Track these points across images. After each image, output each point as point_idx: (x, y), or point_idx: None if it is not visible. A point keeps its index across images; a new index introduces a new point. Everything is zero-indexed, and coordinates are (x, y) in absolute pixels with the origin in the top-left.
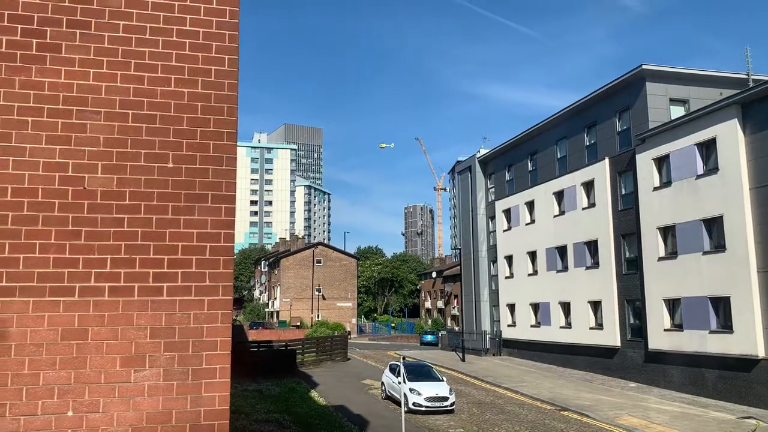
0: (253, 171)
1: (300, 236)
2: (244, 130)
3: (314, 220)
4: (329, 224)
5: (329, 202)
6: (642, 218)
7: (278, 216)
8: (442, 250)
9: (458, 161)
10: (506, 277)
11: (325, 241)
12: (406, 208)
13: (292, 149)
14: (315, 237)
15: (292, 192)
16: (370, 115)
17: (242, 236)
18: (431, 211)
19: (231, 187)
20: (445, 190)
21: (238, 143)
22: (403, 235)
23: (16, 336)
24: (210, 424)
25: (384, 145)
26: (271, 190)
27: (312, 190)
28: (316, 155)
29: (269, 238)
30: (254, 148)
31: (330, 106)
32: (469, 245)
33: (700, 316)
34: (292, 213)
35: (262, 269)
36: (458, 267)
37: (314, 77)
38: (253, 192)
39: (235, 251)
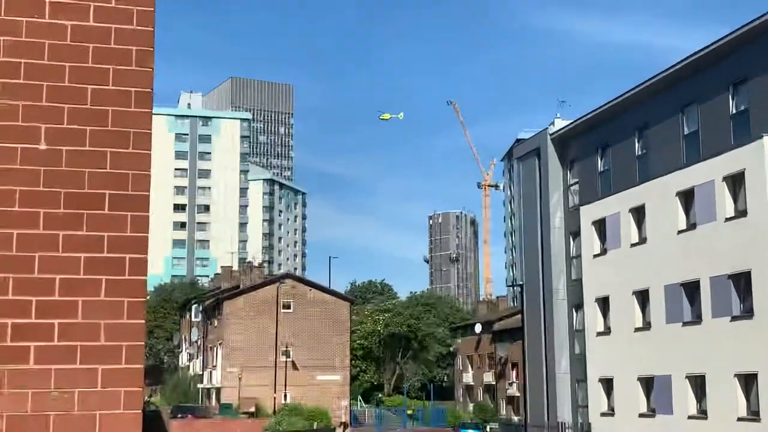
0: (179, 156)
1: (256, 263)
2: (164, 89)
3: (279, 237)
4: (304, 244)
5: (304, 206)
6: None
7: (220, 230)
8: (490, 288)
9: (518, 141)
10: (599, 334)
11: (298, 272)
12: (431, 219)
13: (243, 120)
14: (281, 265)
15: (243, 190)
16: (372, 70)
17: (159, 264)
18: (473, 222)
19: (143, 183)
20: (496, 187)
21: (155, 109)
22: (427, 262)
23: None
24: None
25: (387, 116)
26: (209, 188)
27: (276, 188)
28: (283, 131)
29: (205, 267)
30: (180, 117)
31: (309, 54)
32: (536, 279)
33: None
34: (243, 225)
35: (193, 318)
36: (519, 316)
37: (281, 6)
38: (179, 191)
39: (149, 289)
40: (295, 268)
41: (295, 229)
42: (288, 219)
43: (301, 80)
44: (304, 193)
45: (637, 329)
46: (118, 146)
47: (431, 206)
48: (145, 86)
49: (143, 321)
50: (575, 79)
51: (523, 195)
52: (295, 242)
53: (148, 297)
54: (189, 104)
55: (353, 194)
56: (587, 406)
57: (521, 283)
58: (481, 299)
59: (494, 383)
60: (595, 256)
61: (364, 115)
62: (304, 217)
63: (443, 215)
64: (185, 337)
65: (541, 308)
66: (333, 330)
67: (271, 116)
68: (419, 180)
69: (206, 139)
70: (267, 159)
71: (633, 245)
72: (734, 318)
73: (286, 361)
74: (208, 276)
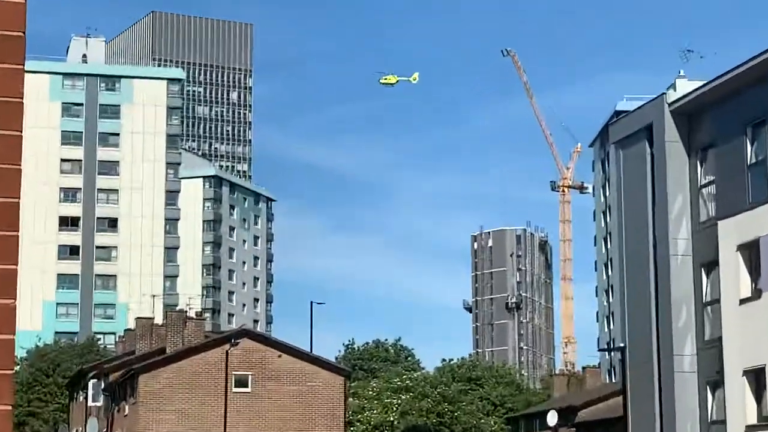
0: (68, 139)
1: (192, 313)
2: (46, 31)
3: (230, 270)
4: (269, 281)
5: (269, 221)
6: None
7: (134, 259)
8: (573, 353)
9: (616, 115)
10: (752, 429)
11: (260, 327)
12: (476, 240)
13: (172, 80)
14: (232, 315)
15: (172, 194)
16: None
17: (36, 314)
18: (545, 245)
19: (8, 184)
20: (581, 189)
21: (30, 64)
22: (470, 310)
23: None
24: None
25: (393, 79)
26: (116, 191)
27: (225, 191)
28: (236, 98)
29: (109, 320)
30: (71, 76)
31: None
32: (646, 340)
33: None
34: (172, 251)
35: (91, 402)
36: (618, 399)
37: None
38: (68, 196)
39: (19, 353)
40: (256, 321)
41: (255, 258)
42: (244, 241)
43: (265, 17)
44: (269, 199)
45: None
46: None
47: (476, 219)
48: (11, 26)
49: (9, 407)
50: (707, 17)
51: (624, 202)
52: (255, 278)
53: (17, 368)
54: (84, 56)
55: (350, 200)
56: None
57: (622, 345)
58: (556, 371)
59: None
60: (744, 301)
61: (368, 73)
62: (269, 239)
63: (495, 235)
64: None
65: (655, 387)
66: (317, 420)
67: (217, 74)
68: (456, 178)
69: (113, 111)
70: (210, 144)
71: None
72: None
73: None
74: (114, 333)
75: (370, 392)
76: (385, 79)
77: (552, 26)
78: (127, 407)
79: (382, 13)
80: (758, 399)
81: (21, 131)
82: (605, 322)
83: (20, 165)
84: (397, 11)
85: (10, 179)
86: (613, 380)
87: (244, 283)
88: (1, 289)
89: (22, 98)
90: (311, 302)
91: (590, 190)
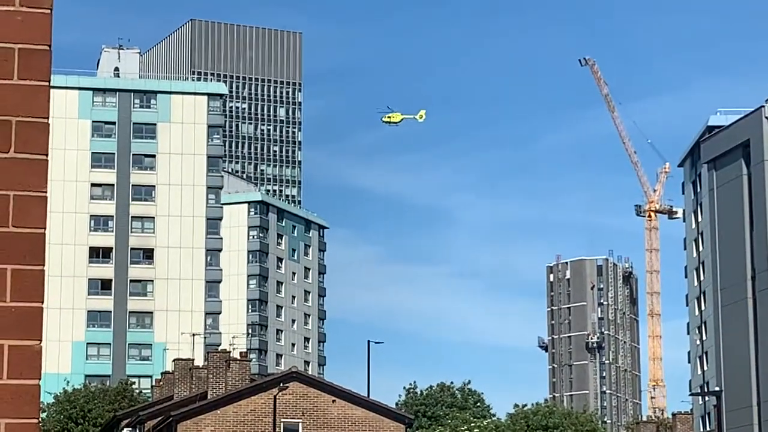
0: (99, 161)
1: (237, 354)
2: (76, 42)
3: (278, 306)
4: (322, 318)
5: (322, 251)
6: None
7: (172, 295)
8: (662, 398)
9: (709, 131)
10: None
11: (311, 369)
12: (552, 272)
13: (214, 96)
14: (280, 356)
15: (214, 222)
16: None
17: (65, 355)
18: (629, 277)
19: (33, 212)
20: (670, 214)
21: (59, 79)
22: (545, 349)
23: None
24: None
25: (397, 118)
26: (152, 218)
27: (272, 217)
28: (285, 115)
29: (145, 361)
30: (102, 92)
31: None
32: (745, 384)
33: None
34: (213, 285)
35: None
36: None
37: None
38: (99, 224)
39: (45, 399)
40: (307, 362)
41: (306, 292)
42: (293, 273)
43: (315, 25)
44: (321, 227)
45: None
46: None
47: (551, 249)
48: (35, 39)
49: None
50: None
51: (719, 228)
52: (306, 315)
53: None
54: (117, 69)
55: (409, 227)
56: None
57: (717, 389)
58: (643, 418)
59: None
60: None
61: (432, 82)
62: (321, 270)
63: (574, 265)
64: None
65: None
66: None
67: (262, 88)
68: (527, 202)
69: (148, 130)
70: (255, 166)
71: None
72: None
73: None
74: (150, 376)
75: None
76: (388, 117)
77: (635, 30)
78: None
79: (444, 18)
80: None
81: (46, 154)
82: (698, 362)
83: (45, 192)
84: (460, 15)
85: (35, 208)
86: (708, 428)
87: (293, 321)
88: (24, 329)
89: (47, 118)
90: (368, 341)
91: (680, 215)
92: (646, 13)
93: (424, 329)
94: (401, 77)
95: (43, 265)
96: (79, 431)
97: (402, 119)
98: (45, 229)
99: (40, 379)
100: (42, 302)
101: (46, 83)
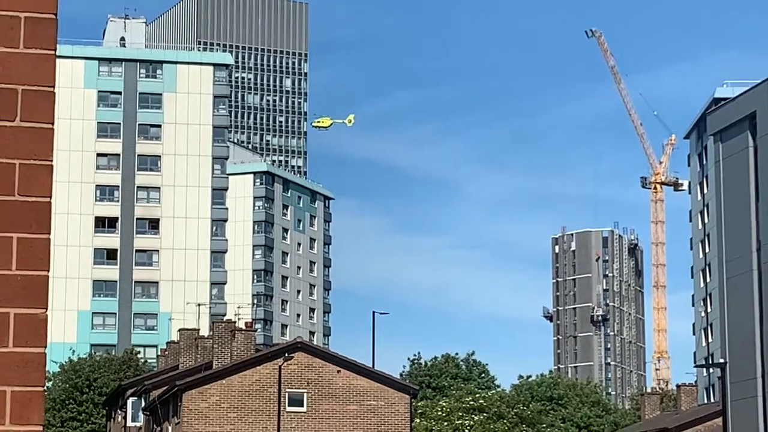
0: (105, 130)
1: (242, 324)
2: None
3: (284, 277)
4: (327, 289)
5: (327, 222)
6: None
7: (177, 265)
8: (666, 370)
9: (715, 103)
10: None
11: (316, 339)
12: (557, 243)
13: (219, 66)
14: (286, 326)
15: (219, 192)
16: None
17: (70, 325)
18: (635, 249)
19: (41, 181)
20: (676, 187)
21: (64, 49)
22: (549, 318)
23: None
24: None
25: (326, 122)
26: (157, 189)
27: (278, 188)
28: (290, 85)
29: (151, 331)
30: (108, 62)
31: None
32: (749, 355)
33: None
34: (218, 255)
35: (130, 421)
36: (719, 421)
37: None
38: (104, 193)
39: (51, 369)
40: (312, 332)
41: (311, 262)
42: (298, 243)
43: None
44: (326, 198)
45: None
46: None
47: (556, 220)
48: (42, 8)
49: (39, 428)
50: None
51: (725, 200)
52: (311, 285)
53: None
54: (123, 39)
55: (415, 198)
56: None
57: (722, 361)
58: (648, 389)
59: None
60: None
61: (436, 55)
62: (326, 241)
63: (579, 237)
64: None
65: (759, 407)
66: None
67: (268, 59)
68: (533, 173)
69: (153, 100)
70: (261, 136)
71: None
72: None
73: None
74: (155, 346)
75: (439, 412)
76: (318, 122)
77: (642, 2)
78: (169, 428)
79: None
80: None
81: (52, 123)
82: (702, 334)
83: (51, 160)
84: None
85: (41, 176)
86: (712, 400)
87: (298, 291)
88: (31, 298)
89: (53, 87)
90: (373, 312)
91: (685, 187)
92: None
93: (429, 300)
94: (407, 49)
95: (49, 233)
96: (85, 400)
97: (332, 123)
98: (51, 197)
99: (45, 347)
100: (48, 271)
101: (52, 52)
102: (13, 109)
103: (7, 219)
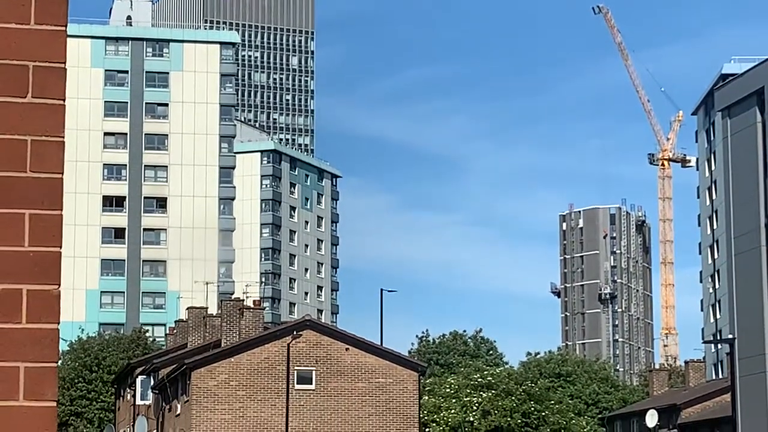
0: (112, 109)
1: (250, 302)
2: None
3: (291, 255)
4: (335, 267)
5: (334, 200)
6: None
7: (185, 244)
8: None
9: (723, 79)
10: None
11: (324, 317)
12: (565, 220)
13: (226, 44)
14: (294, 304)
15: (226, 171)
16: None
17: (79, 304)
18: (642, 226)
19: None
20: (683, 163)
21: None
22: (557, 294)
23: None
24: None
25: None
26: (165, 167)
27: (285, 166)
28: (297, 64)
29: (159, 310)
30: (115, 41)
31: None
32: (757, 332)
33: None
34: (226, 234)
35: (139, 399)
36: (727, 396)
37: None
38: (112, 172)
39: (61, 347)
40: (320, 311)
41: (319, 240)
42: (306, 222)
43: None
44: (334, 176)
45: None
46: (2, 94)
47: (564, 197)
48: None
49: (53, 403)
50: None
51: (732, 176)
52: (319, 264)
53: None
54: (129, 18)
55: (422, 176)
56: None
57: (730, 337)
58: (656, 366)
59: None
60: None
61: (441, 32)
62: (334, 219)
63: (586, 214)
64: None
65: None
66: (388, 420)
67: (275, 37)
68: (541, 150)
69: (160, 79)
70: (268, 115)
71: None
72: None
73: None
74: (163, 325)
75: (448, 390)
76: None
77: None
78: (179, 406)
79: None
80: None
81: (64, 100)
82: (710, 311)
83: (63, 137)
84: None
85: (52, 153)
86: (720, 376)
87: (306, 269)
88: (43, 273)
89: (64, 63)
90: (381, 290)
91: (693, 163)
92: None
93: (436, 277)
94: (414, 26)
95: (61, 209)
96: (94, 378)
97: None
98: (62, 174)
99: (58, 323)
100: (60, 247)
101: (63, 28)
102: (25, 86)
103: (19, 195)
